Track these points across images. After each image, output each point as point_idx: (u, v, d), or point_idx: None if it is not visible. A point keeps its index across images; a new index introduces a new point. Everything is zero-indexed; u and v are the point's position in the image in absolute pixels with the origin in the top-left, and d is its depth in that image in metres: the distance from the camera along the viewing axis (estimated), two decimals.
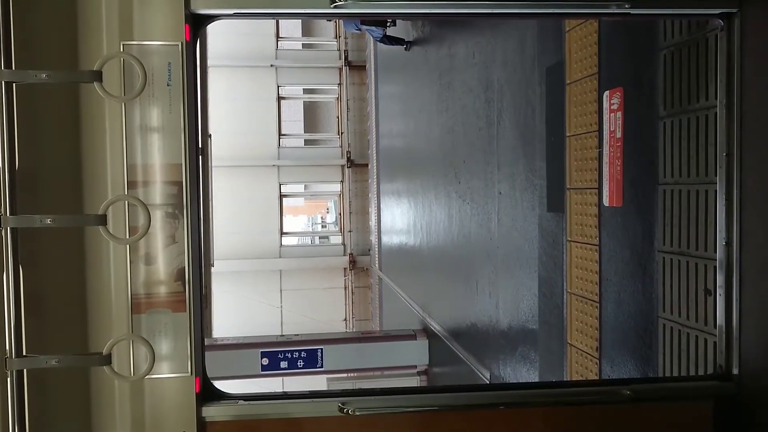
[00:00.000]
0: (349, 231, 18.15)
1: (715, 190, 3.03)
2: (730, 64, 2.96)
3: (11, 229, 2.40)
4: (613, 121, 4.50)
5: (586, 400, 2.92)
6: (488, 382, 7.05)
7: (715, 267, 3.09)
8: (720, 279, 3.01)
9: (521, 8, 2.87)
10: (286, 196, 18.75)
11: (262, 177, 17.91)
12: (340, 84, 18.58)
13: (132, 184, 2.64)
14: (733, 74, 2.95)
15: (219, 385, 2.93)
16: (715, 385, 3.00)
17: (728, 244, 2.97)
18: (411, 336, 10.74)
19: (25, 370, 2.44)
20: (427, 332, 10.56)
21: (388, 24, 11.80)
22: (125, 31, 2.61)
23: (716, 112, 3.03)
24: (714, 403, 2.97)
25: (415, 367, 10.92)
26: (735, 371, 2.98)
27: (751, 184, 2.91)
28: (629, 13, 2.84)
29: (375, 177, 16.05)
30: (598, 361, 4.75)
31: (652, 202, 4.10)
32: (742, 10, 2.90)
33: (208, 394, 2.87)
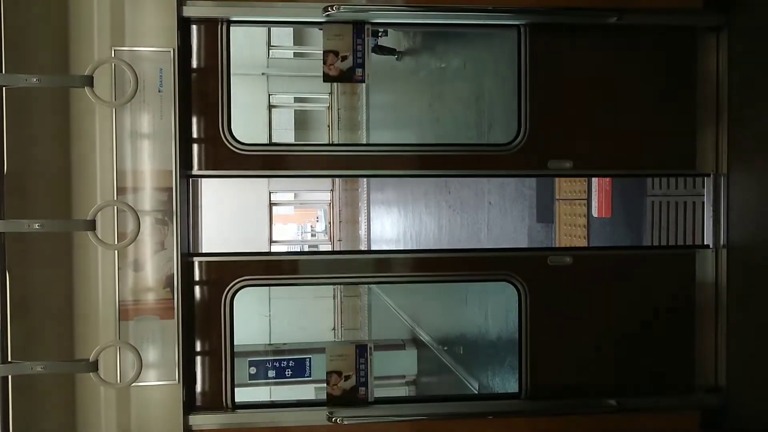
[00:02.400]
0: (339, 240, 18.09)
1: (703, 202, 3.06)
2: (718, 76, 3.00)
3: None
4: None
5: (574, 410, 2.93)
6: (477, 392, 7.05)
7: None
8: None
9: (513, 20, 2.91)
10: (276, 204, 18.68)
11: (252, 185, 17.84)
12: (330, 93, 18.59)
13: (121, 190, 2.64)
14: (720, 86, 3.00)
15: None
16: (702, 396, 3.01)
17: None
18: (400, 345, 10.70)
19: (9, 377, 2.41)
20: (416, 342, 10.53)
21: (380, 34, 11.85)
22: (117, 36, 2.61)
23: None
24: (701, 415, 2.99)
25: (404, 376, 10.87)
26: (722, 383, 3.00)
27: (739, 197, 2.94)
28: (617, 25, 2.89)
29: (365, 186, 16.04)
30: None
31: (640, 214, 4.13)
32: (730, 23, 2.94)
33: (195, 402, 2.85)
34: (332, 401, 2.90)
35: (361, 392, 2.92)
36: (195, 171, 2.81)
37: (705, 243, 3.03)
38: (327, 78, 2.92)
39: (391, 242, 12.77)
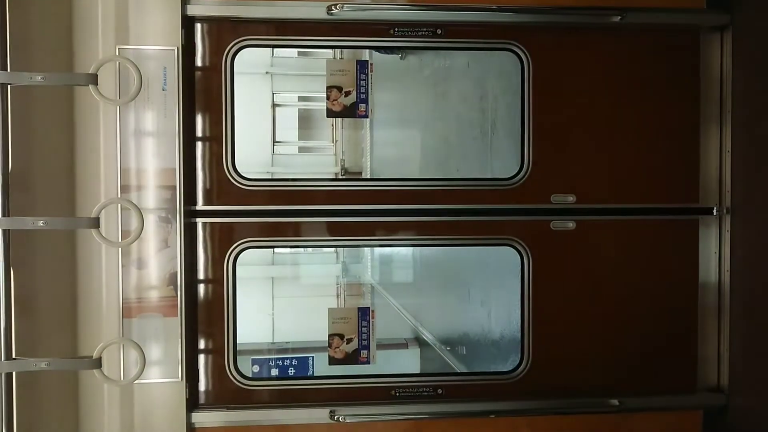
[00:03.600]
0: None
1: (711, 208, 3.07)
2: (721, 77, 3.00)
3: (3, 230, 2.39)
4: None
5: (575, 410, 2.94)
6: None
7: None
8: None
9: (516, 18, 2.91)
10: None
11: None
12: None
13: (125, 188, 2.65)
14: (725, 87, 3.00)
15: None
16: (705, 396, 3.02)
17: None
18: (403, 345, 10.68)
19: (14, 373, 2.42)
20: (419, 341, 10.51)
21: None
22: (121, 34, 2.62)
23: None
24: (703, 415, 2.99)
25: None
26: (724, 383, 3.00)
27: (743, 210, 2.94)
28: (621, 24, 2.89)
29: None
30: None
31: None
32: (734, 23, 2.94)
33: (198, 400, 2.86)
34: (334, 363, 2.98)
35: (363, 355, 2.94)
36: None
37: (709, 206, 3.04)
38: (330, 113, 2.97)
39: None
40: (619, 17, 2.85)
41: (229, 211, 2.87)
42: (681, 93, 3.01)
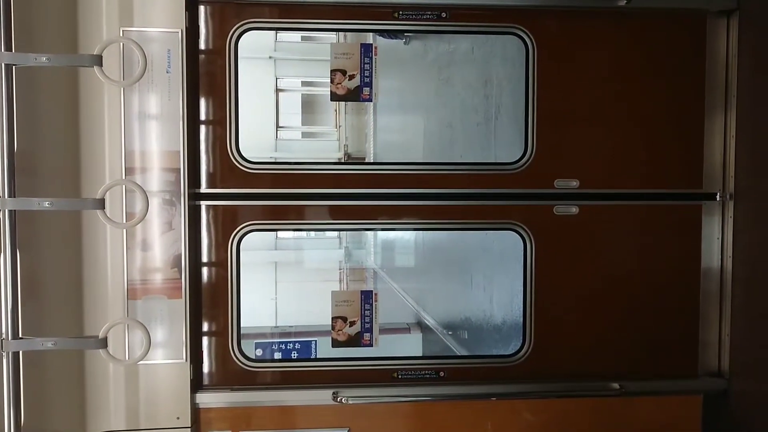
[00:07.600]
0: None
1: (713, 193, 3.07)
2: (727, 62, 2.99)
3: (9, 211, 2.40)
4: None
5: (576, 393, 2.96)
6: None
7: None
8: None
9: (520, 1, 2.92)
10: None
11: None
12: None
13: (130, 170, 2.66)
14: (730, 73, 2.99)
15: None
16: (705, 380, 3.04)
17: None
18: (405, 329, 10.72)
19: (21, 352, 2.44)
20: (421, 326, 10.55)
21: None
22: (126, 16, 2.62)
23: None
24: (704, 399, 3.01)
25: None
26: (725, 367, 3.01)
27: (747, 196, 2.94)
28: (627, 8, 2.87)
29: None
30: None
31: None
32: (741, 8, 2.92)
33: (202, 381, 2.89)
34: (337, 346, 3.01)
35: (366, 338, 2.96)
36: (203, 189, 2.86)
37: (712, 192, 3.05)
38: (334, 97, 2.97)
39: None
40: (625, 1, 2.84)
41: (233, 194, 2.89)
42: (686, 78, 3.00)
